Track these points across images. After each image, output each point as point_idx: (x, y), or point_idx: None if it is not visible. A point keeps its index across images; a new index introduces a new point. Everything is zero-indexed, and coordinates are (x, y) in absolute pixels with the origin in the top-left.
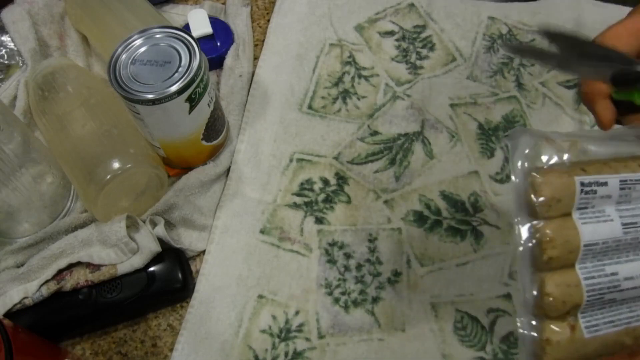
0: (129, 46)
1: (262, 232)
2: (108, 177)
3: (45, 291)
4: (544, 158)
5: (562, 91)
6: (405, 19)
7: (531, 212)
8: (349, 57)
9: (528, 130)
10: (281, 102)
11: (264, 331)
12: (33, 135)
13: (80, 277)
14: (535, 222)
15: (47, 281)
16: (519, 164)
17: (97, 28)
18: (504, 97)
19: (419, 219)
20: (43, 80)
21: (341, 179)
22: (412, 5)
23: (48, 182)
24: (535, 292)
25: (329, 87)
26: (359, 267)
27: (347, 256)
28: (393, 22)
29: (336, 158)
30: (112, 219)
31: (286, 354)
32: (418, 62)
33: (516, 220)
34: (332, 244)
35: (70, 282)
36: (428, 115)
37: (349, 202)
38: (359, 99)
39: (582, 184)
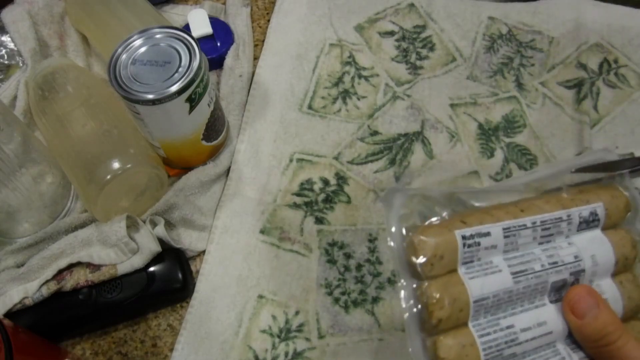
0: (129, 46)
1: (262, 232)
2: (108, 177)
3: (45, 291)
4: (421, 217)
5: (562, 91)
6: (405, 19)
7: (414, 274)
8: (349, 57)
9: (401, 190)
10: (281, 102)
11: (264, 331)
12: (33, 135)
13: (80, 277)
14: (419, 284)
15: (47, 281)
16: (394, 227)
17: (97, 28)
18: (504, 97)
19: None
20: (43, 80)
21: (341, 179)
22: (412, 5)
23: (48, 182)
24: (429, 358)
25: (329, 87)
26: (359, 267)
27: (347, 256)
28: (393, 22)
29: (336, 158)
30: (112, 219)
31: (286, 354)
32: (418, 62)
33: (400, 284)
34: (332, 244)
35: (70, 282)
36: (428, 115)
37: (349, 202)
38: (359, 99)
39: (464, 237)
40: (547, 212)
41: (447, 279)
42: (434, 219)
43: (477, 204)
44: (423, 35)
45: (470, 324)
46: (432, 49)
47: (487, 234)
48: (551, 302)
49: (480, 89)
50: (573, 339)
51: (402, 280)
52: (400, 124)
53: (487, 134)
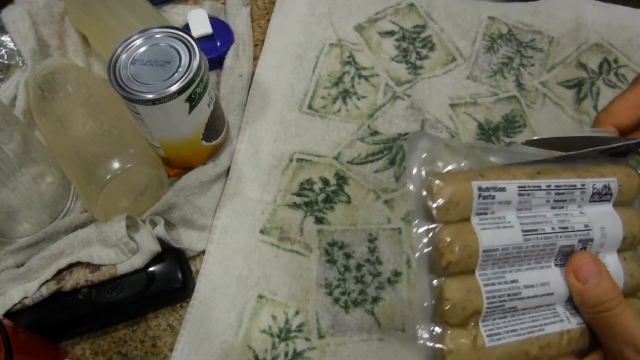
0: (129, 46)
1: (262, 232)
2: (108, 177)
3: (45, 291)
4: (441, 164)
5: (562, 91)
6: (405, 19)
7: (429, 217)
8: (349, 57)
9: (426, 135)
10: (281, 102)
11: (264, 331)
12: (33, 135)
13: (80, 277)
14: (433, 226)
15: (47, 281)
16: (415, 168)
17: (97, 28)
18: (504, 97)
19: None
20: (43, 80)
21: (341, 179)
22: (412, 5)
23: (48, 182)
24: (434, 299)
25: (329, 87)
26: (359, 267)
27: (347, 256)
28: (393, 22)
29: (336, 158)
30: (112, 219)
31: (286, 354)
32: (418, 62)
33: (414, 224)
34: (332, 244)
35: (70, 282)
36: (428, 115)
37: (349, 202)
38: (358, 99)
39: (480, 188)
40: (563, 178)
41: (460, 226)
42: (453, 166)
43: (495, 160)
44: (423, 35)
45: (477, 273)
46: (432, 48)
47: (503, 189)
48: (556, 265)
49: (480, 89)
50: (573, 304)
51: (417, 221)
52: (400, 124)
53: (487, 134)
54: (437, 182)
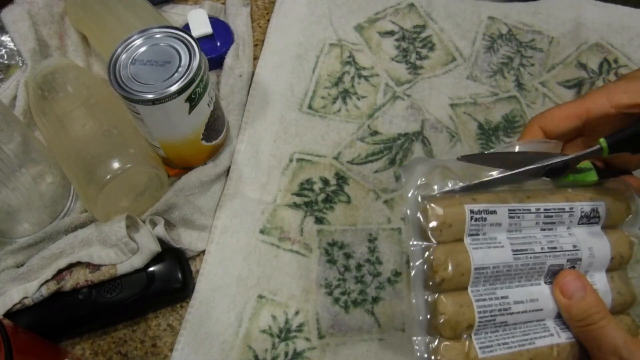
0: (129, 46)
1: (262, 232)
2: (108, 177)
3: (45, 291)
4: (436, 187)
5: (562, 91)
6: (405, 19)
7: (424, 237)
8: (349, 57)
9: (423, 161)
10: (281, 102)
11: (264, 331)
12: (33, 135)
13: (80, 277)
14: (428, 246)
15: (47, 281)
16: (411, 193)
17: (97, 28)
18: (504, 97)
19: None
20: (43, 80)
21: (341, 179)
22: (412, 5)
23: (48, 182)
24: (429, 313)
25: (328, 87)
26: (358, 267)
27: (347, 256)
28: (393, 22)
29: (336, 158)
30: (112, 219)
31: (286, 354)
32: (418, 62)
33: (410, 244)
34: (332, 244)
35: (70, 282)
36: (428, 115)
37: (348, 202)
38: (358, 99)
39: (472, 211)
40: (552, 202)
41: (453, 246)
42: (447, 189)
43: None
44: (423, 35)
45: (469, 289)
46: (432, 48)
47: (494, 212)
48: (546, 283)
49: (480, 88)
50: (562, 320)
51: (413, 241)
52: (400, 124)
53: (487, 134)
54: (431, 205)
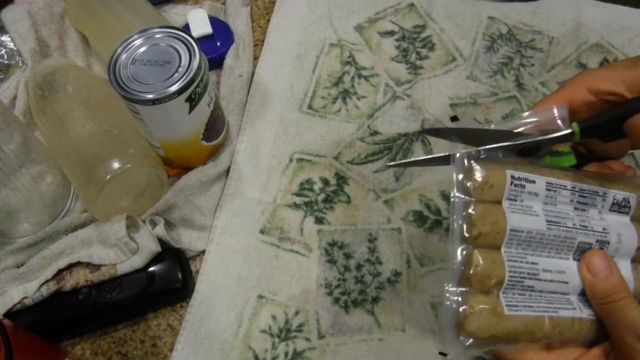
0: (129, 46)
1: (262, 232)
2: (108, 177)
3: (45, 291)
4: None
5: None
6: (405, 19)
7: (467, 194)
8: (349, 57)
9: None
10: (281, 102)
11: (263, 331)
12: (33, 135)
13: (80, 277)
14: (469, 200)
15: (47, 281)
16: (459, 154)
17: (97, 28)
18: (504, 97)
19: (419, 218)
20: (43, 80)
21: (341, 179)
22: (412, 5)
23: (48, 182)
24: (463, 265)
25: (328, 87)
26: (358, 267)
27: (347, 256)
28: (393, 22)
29: (336, 158)
30: (112, 219)
31: (286, 354)
32: (418, 62)
33: (452, 196)
34: (332, 244)
35: (70, 282)
36: (428, 115)
37: (348, 202)
38: (358, 99)
39: (513, 177)
40: (587, 184)
41: (492, 206)
42: (491, 149)
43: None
44: (423, 35)
45: (502, 249)
46: (432, 48)
47: (533, 182)
48: (574, 259)
49: (480, 89)
50: (585, 297)
51: (455, 192)
52: (400, 124)
53: None
54: (475, 165)
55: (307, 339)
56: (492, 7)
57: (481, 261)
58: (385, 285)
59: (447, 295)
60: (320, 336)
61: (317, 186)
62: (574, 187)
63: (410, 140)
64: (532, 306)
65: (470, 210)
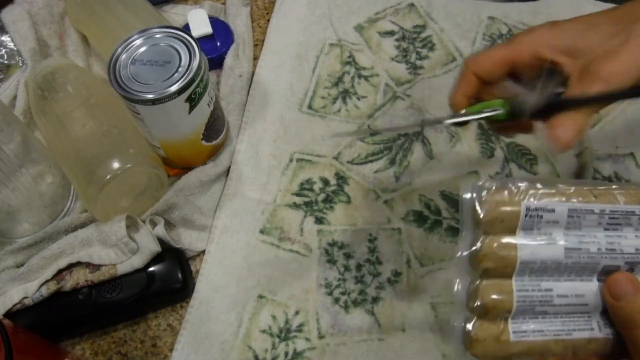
0: (129, 46)
1: (262, 232)
2: (108, 177)
3: (45, 291)
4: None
5: None
6: (405, 19)
7: (476, 224)
8: (349, 57)
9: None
10: (281, 102)
11: (263, 331)
12: (33, 135)
13: (80, 277)
14: (477, 234)
15: (47, 281)
16: (472, 183)
17: (97, 28)
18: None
19: (419, 218)
20: (43, 80)
21: (341, 179)
22: (412, 5)
23: (48, 182)
24: (468, 296)
25: (328, 87)
26: (358, 267)
27: (347, 256)
28: (393, 22)
29: (336, 158)
30: (112, 219)
31: (286, 354)
32: (418, 62)
33: (461, 228)
34: (332, 244)
35: (70, 282)
36: (428, 115)
37: (349, 202)
38: (358, 99)
39: (528, 209)
40: (620, 204)
41: (502, 239)
42: (508, 184)
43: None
44: (423, 35)
45: (513, 278)
46: (432, 48)
47: (552, 211)
48: (598, 280)
49: None
50: (606, 316)
51: (464, 228)
52: (400, 124)
53: (487, 134)
54: (488, 198)
55: (307, 339)
56: (492, 7)
57: (486, 294)
58: (385, 285)
59: (455, 319)
60: (320, 336)
61: (317, 186)
62: (603, 210)
63: (410, 140)
64: (543, 330)
65: (477, 248)
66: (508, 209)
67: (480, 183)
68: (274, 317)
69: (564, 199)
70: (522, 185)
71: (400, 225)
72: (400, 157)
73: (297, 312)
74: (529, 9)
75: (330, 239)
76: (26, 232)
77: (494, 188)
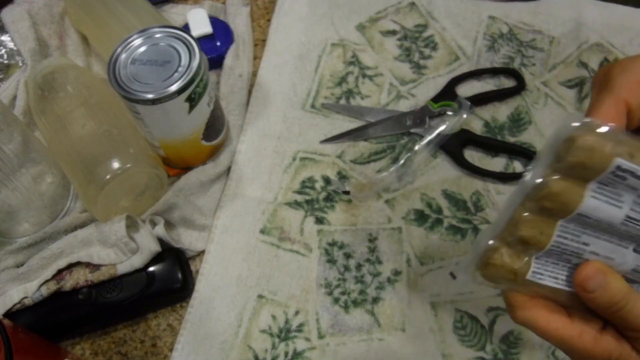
0: (129, 46)
1: (262, 232)
2: (108, 177)
3: (45, 291)
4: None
5: (564, 91)
6: (406, 18)
7: (556, 159)
8: (352, 56)
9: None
10: (284, 101)
11: (263, 331)
12: (33, 135)
13: (80, 277)
14: (549, 171)
15: (46, 281)
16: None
17: (97, 28)
18: (509, 96)
19: (420, 217)
20: (43, 80)
21: (343, 177)
22: (412, 4)
23: (48, 182)
24: (508, 223)
25: (331, 87)
26: (358, 267)
27: (347, 256)
28: (394, 22)
29: (339, 157)
30: (112, 219)
31: (286, 354)
32: (422, 62)
33: (542, 153)
34: (332, 244)
35: (70, 282)
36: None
37: (349, 200)
38: (362, 98)
39: (619, 167)
40: None
41: (573, 185)
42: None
43: None
44: (425, 34)
45: (560, 222)
46: (434, 48)
47: (638, 177)
48: (634, 251)
49: (485, 88)
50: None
51: (544, 154)
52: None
53: (493, 132)
54: (581, 141)
55: (307, 339)
56: (493, 7)
57: (528, 229)
58: (385, 285)
59: (480, 234)
60: (320, 336)
61: (319, 184)
62: None
63: (413, 140)
64: (557, 278)
65: (544, 185)
66: (599, 158)
67: (585, 121)
68: (274, 317)
69: None
70: (624, 138)
71: (401, 224)
72: (403, 156)
73: (297, 312)
74: (529, 9)
75: (330, 239)
76: (26, 232)
77: (595, 133)
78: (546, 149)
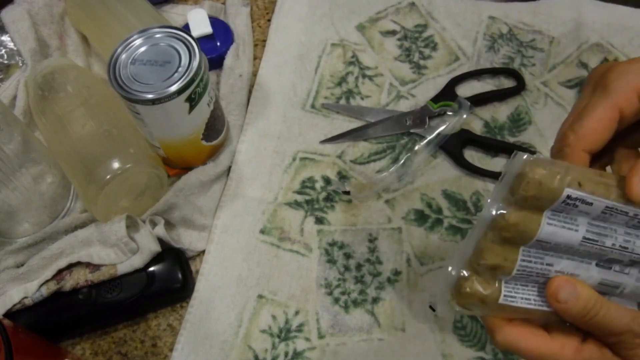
0: (129, 46)
1: (262, 232)
2: (108, 177)
3: (45, 291)
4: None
5: (564, 91)
6: (406, 18)
7: (510, 191)
8: (352, 57)
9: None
10: (284, 101)
11: (263, 331)
12: (33, 135)
13: (80, 277)
14: (505, 204)
15: (47, 281)
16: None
17: (97, 28)
18: (509, 96)
19: (420, 217)
20: (43, 80)
21: (343, 177)
22: (412, 4)
23: (48, 182)
24: (473, 254)
25: (331, 87)
26: (358, 267)
27: (347, 256)
28: (394, 22)
29: (339, 157)
30: (112, 219)
31: (286, 354)
32: (422, 62)
33: (497, 188)
34: (332, 244)
35: (70, 282)
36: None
37: (349, 200)
38: (362, 98)
39: (569, 197)
40: None
41: (529, 215)
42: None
43: None
44: (425, 34)
45: (521, 248)
46: (434, 48)
47: (590, 204)
48: (597, 265)
49: (486, 88)
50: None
51: (496, 190)
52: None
53: (493, 133)
54: (531, 175)
55: (307, 339)
56: (493, 7)
57: (492, 257)
58: (385, 285)
59: (450, 268)
60: (320, 336)
61: (319, 184)
62: (637, 215)
63: (413, 140)
64: (530, 299)
65: (501, 216)
66: (549, 191)
67: (532, 158)
68: (274, 317)
69: (606, 192)
70: (571, 167)
71: (401, 224)
72: (403, 156)
73: (297, 312)
74: (529, 9)
75: (330, 239)
76: (26, 232)
77: (543, 166)
78: (501, 183)
